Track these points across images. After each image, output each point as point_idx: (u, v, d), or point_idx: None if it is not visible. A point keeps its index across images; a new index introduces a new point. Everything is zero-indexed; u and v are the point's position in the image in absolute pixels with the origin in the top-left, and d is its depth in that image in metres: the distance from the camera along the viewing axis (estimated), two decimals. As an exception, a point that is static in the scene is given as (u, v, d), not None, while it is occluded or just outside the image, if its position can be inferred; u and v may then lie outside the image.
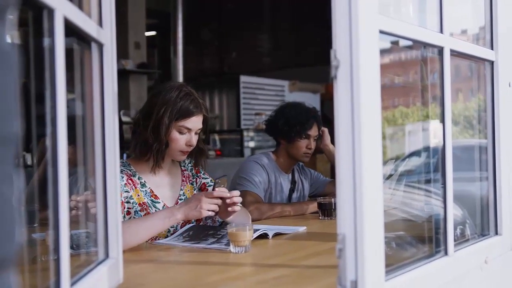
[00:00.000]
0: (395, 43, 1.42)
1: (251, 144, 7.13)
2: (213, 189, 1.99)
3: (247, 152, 6.98)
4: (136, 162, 2.19)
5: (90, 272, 1.18)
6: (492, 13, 1.75)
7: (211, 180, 2.36)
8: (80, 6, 1.17)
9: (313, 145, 2.89)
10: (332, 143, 3.03)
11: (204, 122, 2.19)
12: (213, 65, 9.92)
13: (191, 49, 8.72)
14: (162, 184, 2.21)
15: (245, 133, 7.12)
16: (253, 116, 7.50)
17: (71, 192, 1.03)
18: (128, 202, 2.08)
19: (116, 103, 1.35)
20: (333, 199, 2.59)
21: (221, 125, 8.19)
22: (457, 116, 1.75)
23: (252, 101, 7.74)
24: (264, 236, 2.04)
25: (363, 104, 1.11)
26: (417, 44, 1.53)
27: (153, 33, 9.27)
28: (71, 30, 1.06)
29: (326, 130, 3.01)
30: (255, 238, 1.94)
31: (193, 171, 2.35)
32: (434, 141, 1.83)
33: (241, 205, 2.09)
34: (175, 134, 2.12)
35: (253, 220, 2.58)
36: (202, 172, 2.38)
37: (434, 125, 1.77)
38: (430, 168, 1.85)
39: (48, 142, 0.95)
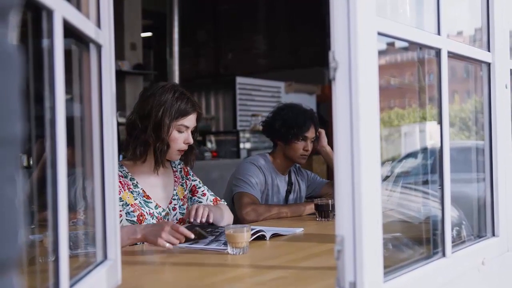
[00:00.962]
0: (390, 44, 1.43)
1: (247, 145, 7.14)
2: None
3: (243, 153, 6.98)
4: (129, 163, 2.20)
5: (88, 273, 1.18)
6: (489, 15, 1.76)
7: (199, 182, 2.42)
8: (78, 7, 1.17)
9: (310, 147, 2.89)
10: (329, 145, 3.03)
11: (198, 119, 2.25)
12: (209, 66, 9.92)
13: (187, 50, 8.71)
14: (155, 185, 2.23)
15: (241, 135, 7.12)
16: (249, 117, 7.51)
17: (68, 193, 1.03)
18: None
19: (114, 105, 1.34)
20: (330, 200, 2.59)
21: (217, 126, 8.19)
22: (452, 117, 1.76)
23: (248, 102, 7.75)
24: (261, 237, 2.04)
25: (361, 105, 1.11)
26: (414, 45, 1.54)
27: (148, 34, 9.27)
28: (69, 31, 1.06)
29: (323, 131, 3.01)
30: (252, 240, 1.94)
31: (182, 173, 2.39)
32: (430, 142, 1.83)
33: (224, 202, 2.15)
34: (175, 133, 2.16)
35: (250, 222, 2.58)
36: (191, 174, 2.42)
37: (430, 126, 1.78)
38: (426, 169, 1.85)
39: (45, 143, 0.95)
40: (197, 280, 1.54)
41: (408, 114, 1.90)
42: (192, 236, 1.84)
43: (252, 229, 1.95)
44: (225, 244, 1.85)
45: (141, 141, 2.14)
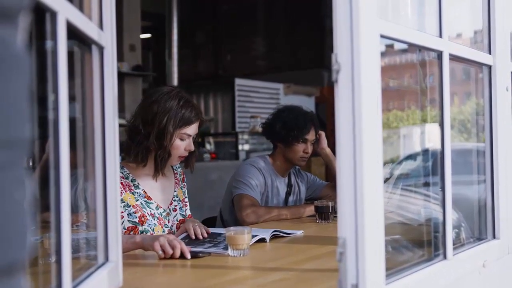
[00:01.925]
0: (389, 46, 1.43)
1: (246, 147, 7.12)
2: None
3: (242, 155, 6.97)
4: (130, 164, 2.20)
5: (90, 275, 1.18)
6: (490, 18, 1.76)
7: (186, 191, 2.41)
8: (80, 8, 1.17)
9: (310, 149, 2.89)
10: (328, 146, 3.03)
11: (200, 126, 2.25)
12: (208, 67, 9.91)
13: (186, 51, 8.71)
14: (156, 187, 2.24)
15: (240, 136, 7.11)
16: (248, 119, 7.49)
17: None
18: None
19: (116, 106, 1.34)
20: (330, 202, 2.59)
21: (216, 128, 8.18)
22: (451, 119, 1.76)
23: (247, 104, 7.74)
24: (262, 239, 2.03)
25: (364, 107, 1.11)
26: (413, 48, 1.54)
27: (147, 35, 9.26)
28: (72, 32, 1.06)
29: (323, 133, 3.01)
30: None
31: (182, 176, 2.40)
32: (429, 144, 1.84)
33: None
34: (177, 141, 2.16)
35: (250, 224, 2.58)
36: (185, 181, 2.42)
37: (429, 128, 1.78)
38: (426, 171, 1.85)
39: (46, 144, 0.95)
40: (198, 282, 1.54)
41: (407, 116, 1.90)
42: (189, 256, 1.78)
43: (253, 236, 1.94)
44: (224, 248, 1.85)
45: (143, 147, 2.14)
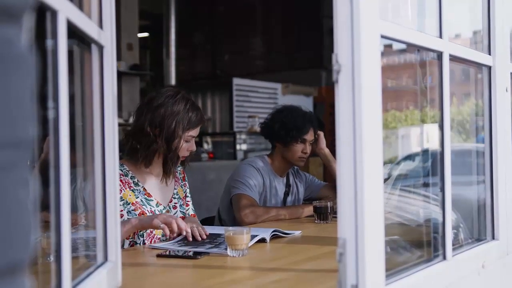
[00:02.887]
0: (387, 46, 1.42)
1: (244, 146, 7.12)
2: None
3: (239, 154, 6.97)
4: (130, 162, 2.20)
5: (89, 275, 1.17)
6: (490, 18, 1.76)
7: (189, 190, 2.44)
8: (80, 7, 1.16)
9: (308, 149, 2.89)
10: (327, 146, 3.03)
11: (201, 127, 2.29)
12: (206, 67, 9.90)
13: (184, 51, 8.70)
14: (156, 183, 2.25)
15: (237, 136, 7.11)
16: (246, 118, 7.49)
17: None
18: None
19: (116, 105, 1.34)
20: (329, 202, 2.59)
21: (214, 128, 8.18)
22: (450, 120, 1.76)
23: (245, 104, 7.73)
24: (261, 239, 2.03)
25: (364, 108, 1.11)
26: (412, 48, 1.54)
27: (145, 34, 9.25)
28: (72, 31, 1.06)
29: (321, 134, 3.01)
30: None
31: (181, 175, 2.41)
32: (428, 145, 1.83)
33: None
34: (183, 144, 2.19)
35: (248, 224, 2.58)
36: (186, 180, 2.44)
37: (428, 129, 1.78)
38: (424, 172, 1.85)
39: (45, 142, 0.95)
40: (197, 282, 1.54)
41: (406, 116, 1.90)
42: (189, 231, 1.89)
43: (252, 236, 1.94)
44: (226, 249, 1.84)
45: (152, 150, 2.15)
